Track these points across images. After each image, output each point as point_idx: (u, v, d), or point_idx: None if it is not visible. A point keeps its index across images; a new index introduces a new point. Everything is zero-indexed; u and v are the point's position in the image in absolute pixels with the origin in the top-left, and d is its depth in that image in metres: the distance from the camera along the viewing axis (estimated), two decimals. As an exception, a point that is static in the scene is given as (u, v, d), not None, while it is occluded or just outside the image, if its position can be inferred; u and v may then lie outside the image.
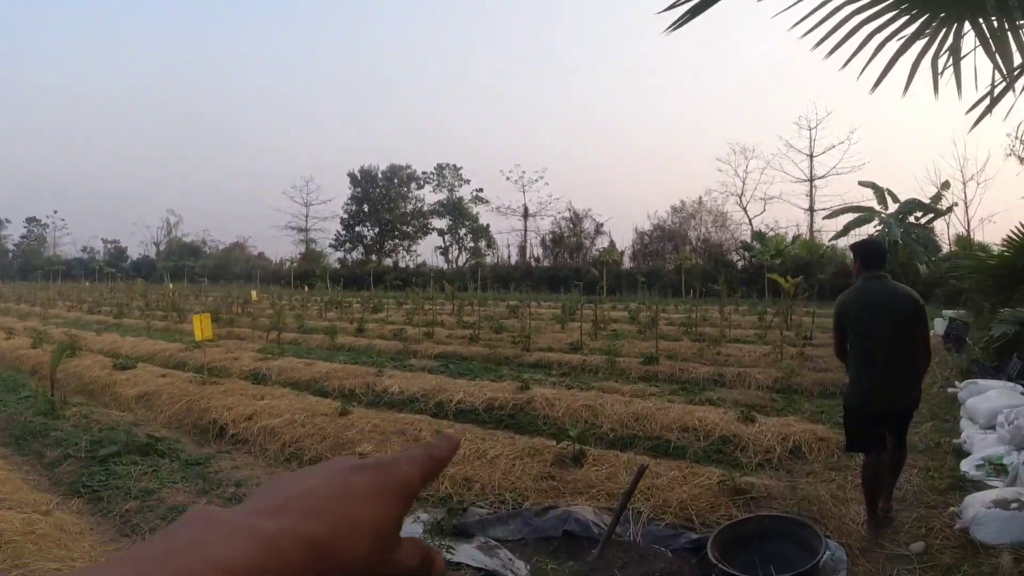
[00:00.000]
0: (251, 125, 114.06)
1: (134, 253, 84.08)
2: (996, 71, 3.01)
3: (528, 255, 63.17)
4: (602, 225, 61.60)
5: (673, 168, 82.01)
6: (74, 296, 37.41)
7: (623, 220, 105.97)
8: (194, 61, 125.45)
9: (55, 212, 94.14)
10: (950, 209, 33.31)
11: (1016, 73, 3.05)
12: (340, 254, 76.03)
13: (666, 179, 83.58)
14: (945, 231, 35.53)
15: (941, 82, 3.22)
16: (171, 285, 44.65)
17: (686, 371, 10.37)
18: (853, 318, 4.38)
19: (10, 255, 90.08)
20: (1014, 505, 3.89)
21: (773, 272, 32.42)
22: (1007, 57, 2.95)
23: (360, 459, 0.44)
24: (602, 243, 59.67)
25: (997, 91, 3.16)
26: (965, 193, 36.57)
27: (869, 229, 32.24)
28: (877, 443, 4.41)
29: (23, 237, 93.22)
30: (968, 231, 35.24)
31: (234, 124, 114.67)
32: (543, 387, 8.63)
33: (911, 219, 31.41)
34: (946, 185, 32.71)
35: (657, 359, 10.97)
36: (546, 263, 59.26)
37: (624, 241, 59.98)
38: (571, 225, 62.54)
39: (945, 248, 32.25)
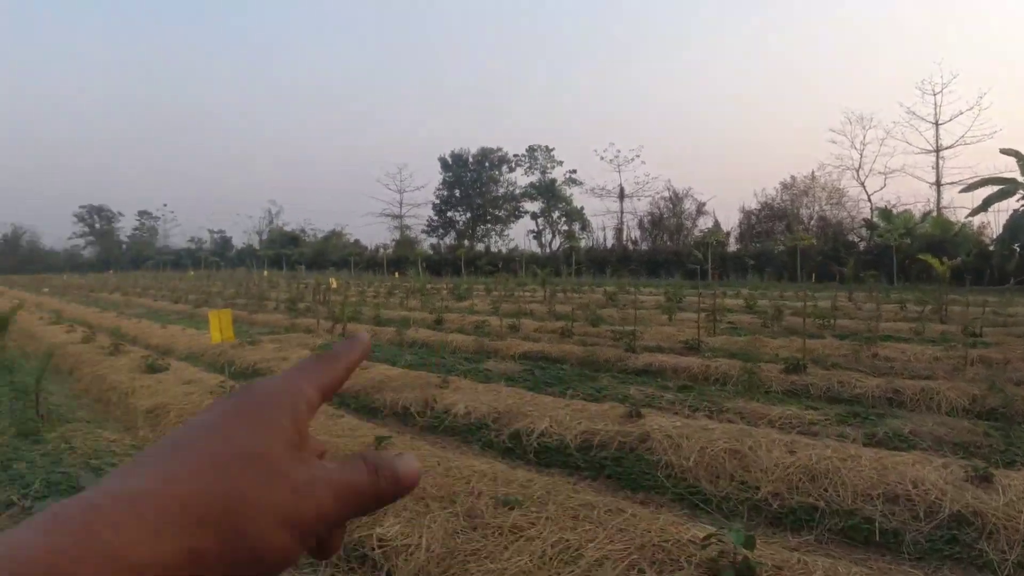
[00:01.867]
0: (345, 115, 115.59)
1: (239, 242, 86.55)
2: None
3: (625, 238, 60.12)
4: (704, 204, 57.83)
5: (781, 141, 76.51)
6: (167, 286, 37.53)
7: (727, 199, 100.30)
8: (285, 63, 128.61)
9: (165, 205, 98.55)
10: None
11: None
12: (433, 240, 75.31)
13: (774, 154, 78.03)
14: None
15: None
16: (266, 272, 44.59)
17: (846, 384, 7.78)
18: None
19: (123, 247, 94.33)
20: None
21: (901, 252, 28.70)
22: None
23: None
24: (705, 224, 56.05)
25: None
26: None
27: (1012, 203, 28.20)
28: None
29: (135, 229, 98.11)
30: None
31: (330, 116, 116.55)
32: (660, 412, 6.32)
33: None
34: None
35: (804, 366, 8.42)
36: (644, 246, 56.13)
37: (729, 221, 55.95)
38: (671, 205, 59.09)
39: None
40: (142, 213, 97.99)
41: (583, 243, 61.98)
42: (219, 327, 6.87)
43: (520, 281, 33.80)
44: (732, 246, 51.36)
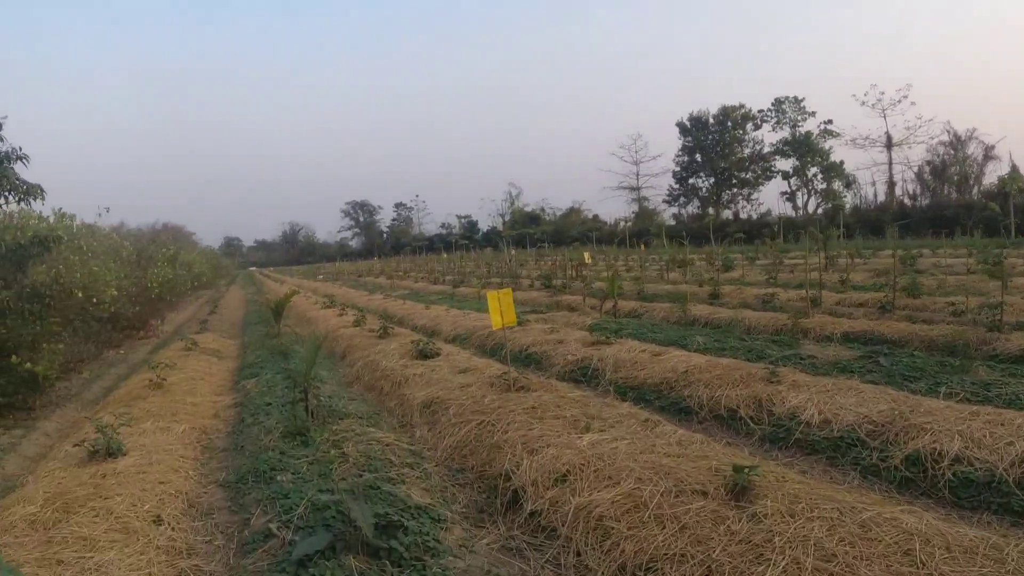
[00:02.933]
0: (575, 91, 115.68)
1: (484, 225, 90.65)
2: None
3: (900, 192, 52.86)
4: (993, 147, 48.96)
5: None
6: (425, 268, 39.26)
7: (1020, 138, 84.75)
8: (515, 45, 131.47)
9: (417, 196, 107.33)
10: None
11: None
12: (674, 209, 72.47)
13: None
14: None
15: None
16: (514, 252, 45.19)
17: None
18: None
19: (384, 235, 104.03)
20: None
21: None
22: None
23: None
24: (995, 170, 47.45)
25: None
26: None
27: None
28: None
29: (393, 220, 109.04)
30: None
31: (558, 93, 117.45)
32: None
33: None
34: None
35: None
36: (923, 201, 48.91)
37: (1026, 165, 46.52)
38: (951, 151, 50.76)
39: None
40: (398, 205, 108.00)
41: (847, 201, 55.75)
42: (499, 309, 5.80)
43: (780, 247, 30.55)
44: (1033, 194, 42.99)
